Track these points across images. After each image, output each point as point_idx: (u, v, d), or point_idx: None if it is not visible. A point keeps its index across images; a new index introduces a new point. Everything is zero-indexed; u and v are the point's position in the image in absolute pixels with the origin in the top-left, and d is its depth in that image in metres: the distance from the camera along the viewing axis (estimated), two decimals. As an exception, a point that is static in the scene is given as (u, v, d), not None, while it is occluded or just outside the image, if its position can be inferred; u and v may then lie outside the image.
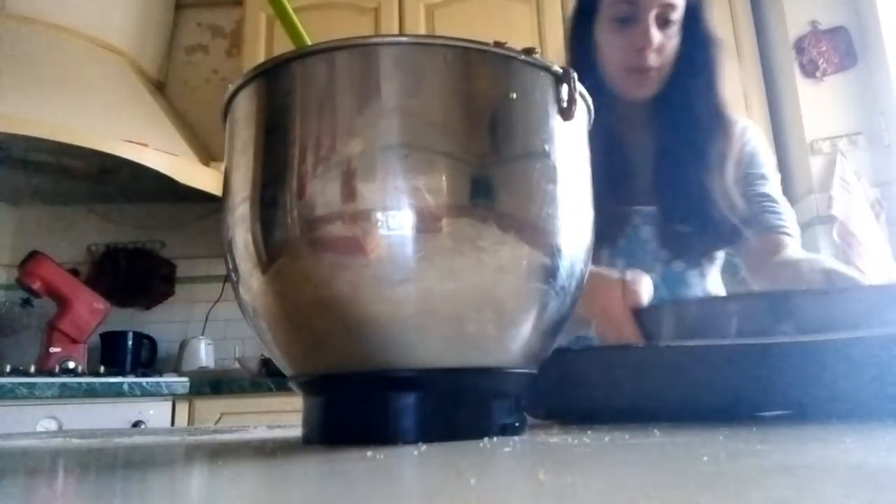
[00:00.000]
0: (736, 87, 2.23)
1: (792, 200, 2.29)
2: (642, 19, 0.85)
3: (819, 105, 2.13)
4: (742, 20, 2.27)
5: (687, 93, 0.88)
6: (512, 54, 0.36)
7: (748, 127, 0.97)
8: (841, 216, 1.99)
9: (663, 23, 0.86)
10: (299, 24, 0.45)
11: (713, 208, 0.87)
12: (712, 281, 0.97)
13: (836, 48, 2.14)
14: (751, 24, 2.27)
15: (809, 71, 2.15)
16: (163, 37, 2.51)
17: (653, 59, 0.86)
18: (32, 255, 2.11)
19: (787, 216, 0.93)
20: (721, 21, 2.27)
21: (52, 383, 1.64)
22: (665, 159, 0.91)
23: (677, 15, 0.87)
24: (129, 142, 1.89)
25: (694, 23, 0.89)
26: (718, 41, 0.92)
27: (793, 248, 0.91)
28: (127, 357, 2.19)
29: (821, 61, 2.14)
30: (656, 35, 0.85)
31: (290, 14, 0.45)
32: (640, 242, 0.91)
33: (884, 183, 2.06)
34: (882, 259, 1.96)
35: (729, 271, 2.55)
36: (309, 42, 0.44)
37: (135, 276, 2.36)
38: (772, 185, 0.95)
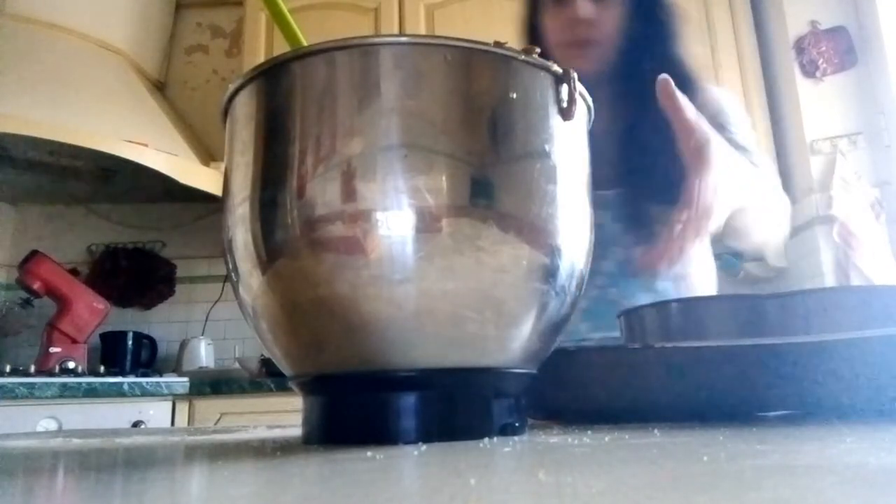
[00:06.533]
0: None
1: (792, 200, 2.29)
2: None
3: (819, 105, 2.13)
4: (742, 20, 2.27)
5: (641, 64, 0.85)
6: (512, 54, 0.36)
7: (715, 90, 0.93)
8: (841, 216, 1.99)
9: None
10: (295, 25, 0.45)
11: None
12: (694, 284, 0.90)
13: (836, 48, 2.14)
14: (751, 24, 2.27)
15: (809, 71, 2.15)
16: (163, 37, 2.51)
17: (589, 32, 0.84)
18: (32, 255, 2.11)
19: (746, 154, 0.86)
20: (721, 21, 2.27)
21: (52, 383, 1.64)
22: (630, 137, 0.87)
23: None
24: (129, 142, 1.89)
25: None
26: (672, 6, 0.90)
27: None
28: (127, 357, 2.19)
29: (821, 61, 2.14)
30: (585, 7, 0.84)
31: (285, 15, 0.45)
32: (596, 227, 0.86)
33: (884, 183, 2.06)
34: (882, 259, 1.96)
35: (728, 271, 2.54)
36: (305, 42, 0.44)
37: (135, 276, 2.36)
38: (731, 132, 0.89)
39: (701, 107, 0.86)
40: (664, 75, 0.55)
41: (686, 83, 0.85)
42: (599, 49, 0.86)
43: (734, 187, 0.69)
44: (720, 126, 0.88)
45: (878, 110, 2.08)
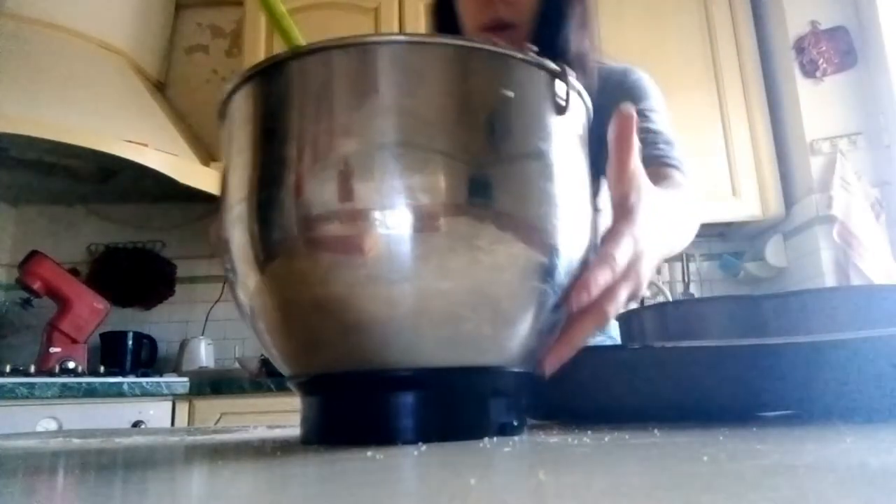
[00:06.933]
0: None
1: (792, 200, 2.29)
2: None
3: (819, 105, 2.13)
4: (742, 20, 2.27)
5: (551, 47, 0.82)
6: (509, 52, 0.36)
7: (642, 75, 0.90)
8: (841, 216, 1.99)
9: None
10: (293, 25, 0.45)
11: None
12: None
13: (836, 48, 2.14)
14: (751, 24, 2.27)
15: (809, 71, 2.15)
16: (163, 37, 2.51)
17: (505, 13, 0.82)
18: (32, 255, 2.11)
19: (670, 148, 0.83)
20: (721, 21, 2.27)
21: (52, 383, 1.64)
22: None
23: None
24: (130, 142, 1.89)
25: None
26: None
27: (676, 179, 0.80)
28: (127, 357, 2.19)
29: (821, 61, 2.14)
30: None
31: (283, 14, 0.45)
32: None
33: (884, 183, 2.06)
34: (882, 259, 1.96)
35: (728, 271, 2.53)
36: (301, 42, 0.44)
37: (135, 276, 2.36)
38: (655, 121, 0.86)
39: (626, 90, 0.85)
40: (629, 106, 0.43)
41: (581, 70, 0.83)
42: (517, 32, 0.83)
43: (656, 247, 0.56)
44: (642, 114, 0.85)
45: (878, 110, 2.08)
